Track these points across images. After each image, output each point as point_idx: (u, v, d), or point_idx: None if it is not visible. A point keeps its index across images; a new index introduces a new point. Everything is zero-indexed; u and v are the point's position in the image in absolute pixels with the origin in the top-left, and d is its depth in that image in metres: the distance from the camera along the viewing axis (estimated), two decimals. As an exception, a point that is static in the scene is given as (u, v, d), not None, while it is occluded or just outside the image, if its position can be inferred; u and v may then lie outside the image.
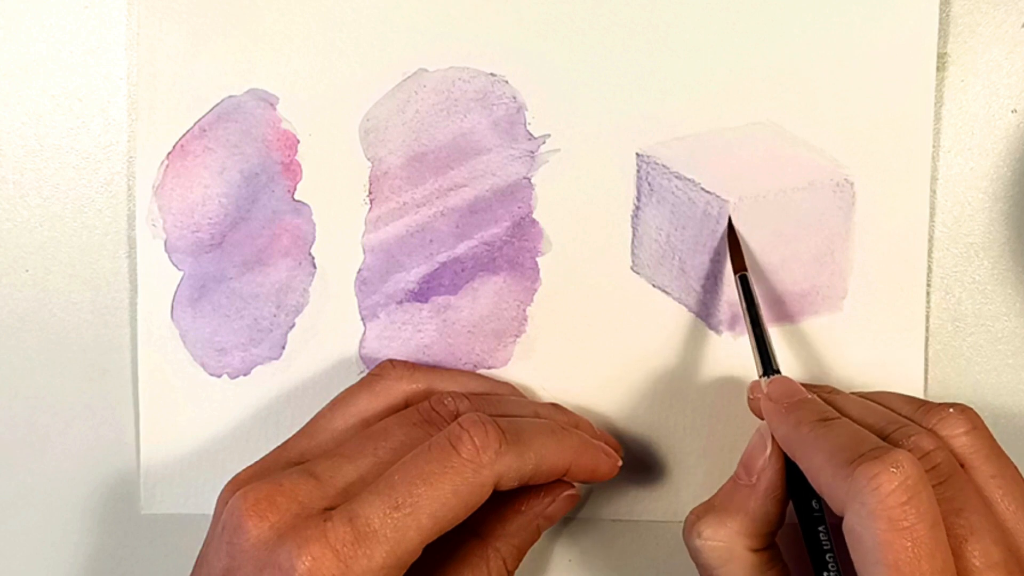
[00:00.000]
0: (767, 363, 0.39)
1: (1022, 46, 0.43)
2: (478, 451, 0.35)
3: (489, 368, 0.44)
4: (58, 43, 0.44)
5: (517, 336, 0.44)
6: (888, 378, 0.43)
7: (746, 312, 0.40)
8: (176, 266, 0.44)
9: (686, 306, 0.43)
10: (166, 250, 0.44)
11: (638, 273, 0.43)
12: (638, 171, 0.43)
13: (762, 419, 0.38)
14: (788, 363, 0.43)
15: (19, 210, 0.44)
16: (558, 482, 0.40)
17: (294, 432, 0.40)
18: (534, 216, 0.43)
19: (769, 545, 0.37)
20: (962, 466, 0.36)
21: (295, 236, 0.44)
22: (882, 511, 0.32)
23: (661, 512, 0.44)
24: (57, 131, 0.44)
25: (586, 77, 0.43)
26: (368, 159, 0.43)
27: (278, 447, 0.40)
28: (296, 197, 0.44)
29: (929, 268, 0.43)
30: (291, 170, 0.43)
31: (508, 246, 0.43)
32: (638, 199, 0.43)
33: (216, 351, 0.44)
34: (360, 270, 0.44)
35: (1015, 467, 0.37)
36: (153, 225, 0.44)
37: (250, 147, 0.43)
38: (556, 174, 0.43)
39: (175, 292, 0.44)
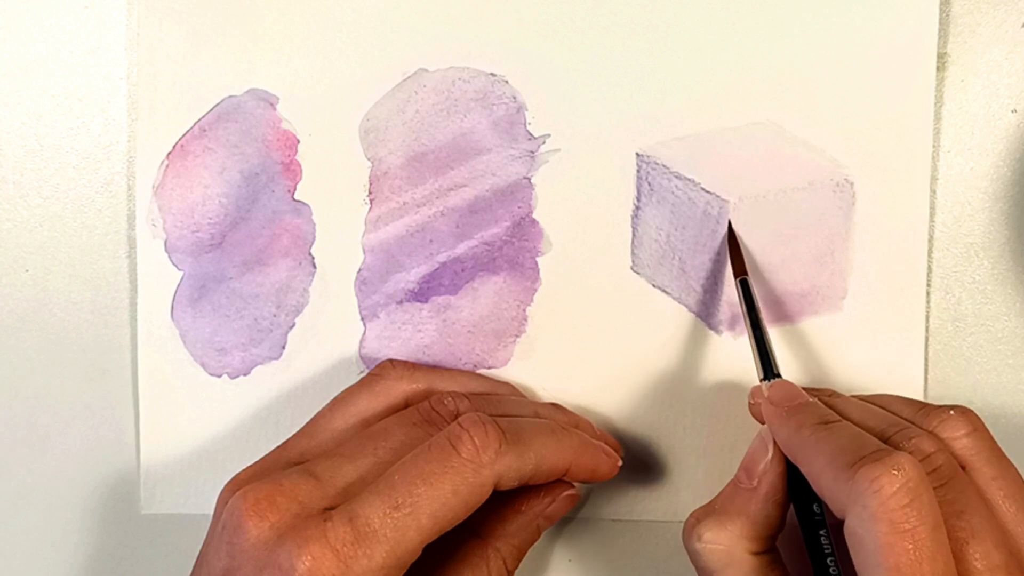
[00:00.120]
0: (768, 367, 0.39)
1: (1022, 46, 0.43)
2: (478, 451, 0.35)
3: (489, 368, 0.44)
4: (58, 43, 0.44)
5: (517, 336, 0.44)
6: (888, 378, 0.43)
7: (746, 315, 0.40)
8: (176, 266, 0.44)
9: (686, 306, 0.43)
10: (166, 250, 0.44)
11: (638, 273, 0.43)
12: (638, 171, 0.43)
13: (763, 424, 0.38)
14: (788, 363, 0.43)
15: (19, 210, 0.44)
16: (558, 482, 0.40)
17: (294, 432, 0.40)
18: (534, 216, 0.43)
19: (769, 548, 0.37)
20: (963, 468, 0.36)
21: (295, 236, 0.44)
22: (883, 514, 0.32)
23: (661, 512, 0.44)
24: (57, 131, 0.44)
25: (586, 77, 0.43)
26: (368, 159, 0.43)
27: (278, 447, 0.40)
28: (296, 197, 0.43)
29: (929, 268, 0.43)
30: (291, 170, 0.43)
31: (508, 246, 0.43)
32: (638, 199, 0.43)
33: (216, 351, 0.44)
34: (360, 270, 0.44)
35: (1016, 469, 0.36)
36: (153, 225, 0.44)
37: (250, 147, 0.43)
38: (556, 174, 0.43)
39: (175, 292, 0.44)
